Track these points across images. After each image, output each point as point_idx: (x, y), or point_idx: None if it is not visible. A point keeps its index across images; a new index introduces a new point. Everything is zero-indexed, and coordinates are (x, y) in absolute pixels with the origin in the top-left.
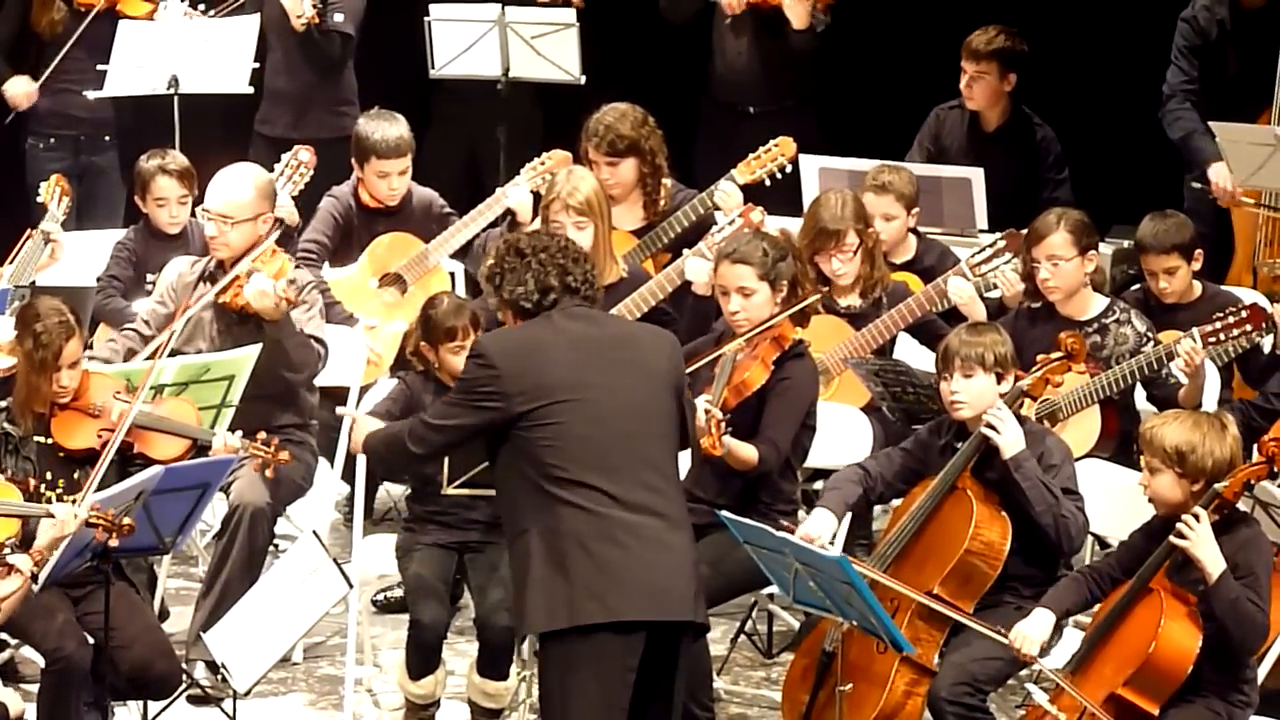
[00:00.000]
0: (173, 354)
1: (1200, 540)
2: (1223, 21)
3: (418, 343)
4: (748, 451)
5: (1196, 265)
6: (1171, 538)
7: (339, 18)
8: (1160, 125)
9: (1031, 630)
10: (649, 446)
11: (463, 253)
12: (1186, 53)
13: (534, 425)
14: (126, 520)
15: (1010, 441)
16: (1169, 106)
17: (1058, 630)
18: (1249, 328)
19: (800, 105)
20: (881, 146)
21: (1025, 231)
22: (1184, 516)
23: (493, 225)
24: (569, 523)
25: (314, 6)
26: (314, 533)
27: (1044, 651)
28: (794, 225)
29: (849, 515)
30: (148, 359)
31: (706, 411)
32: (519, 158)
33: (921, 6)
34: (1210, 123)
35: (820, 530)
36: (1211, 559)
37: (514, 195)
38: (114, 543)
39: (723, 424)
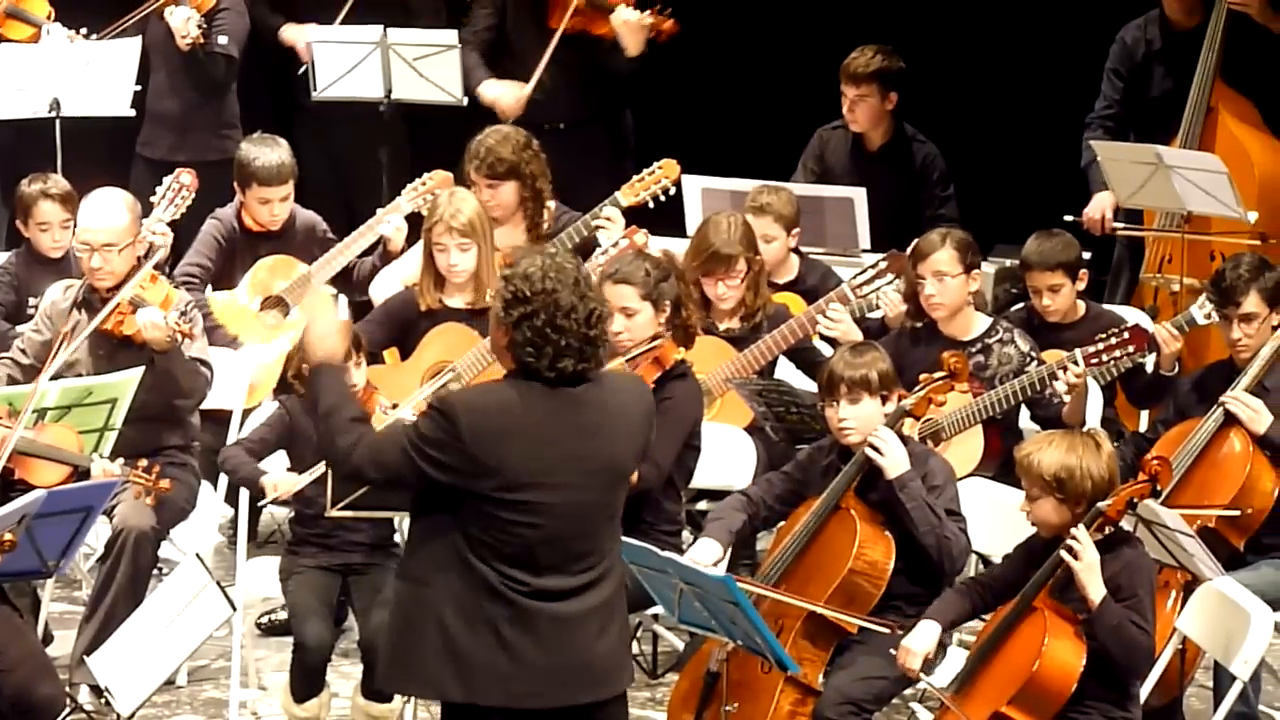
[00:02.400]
0: (54, 378)
1: (1088, 562)
2: (1151, 41)
3: (299, 366)
4: None
5: (1081, 285)
6: (1061, 552)
7: (223, 40)
8: (1044, 143)
9: (915, 643)
10: (587, 541)
11: (342, 278)
12: (1111, 76)
13: (476, 507)
14: (8, 536)
15: (894, 463)
16: (1085, 135)
17: (942, 649)
18: (1131, 348)
19: (610, 119)
20: (766, 167)
21: (908, 252)
22: (1072, 531)
23: (366, 253)
24: (480, 600)
25: (199, 27)
26: (197, 555)
27: (930, 668)
28: (676, 245)
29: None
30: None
31: None
32: (400, 180)
33: (803, 26)
34: (1093, 141)
35: (706, 558)
36: (1094, 584)
37: (391, 221)
38: None
39: None
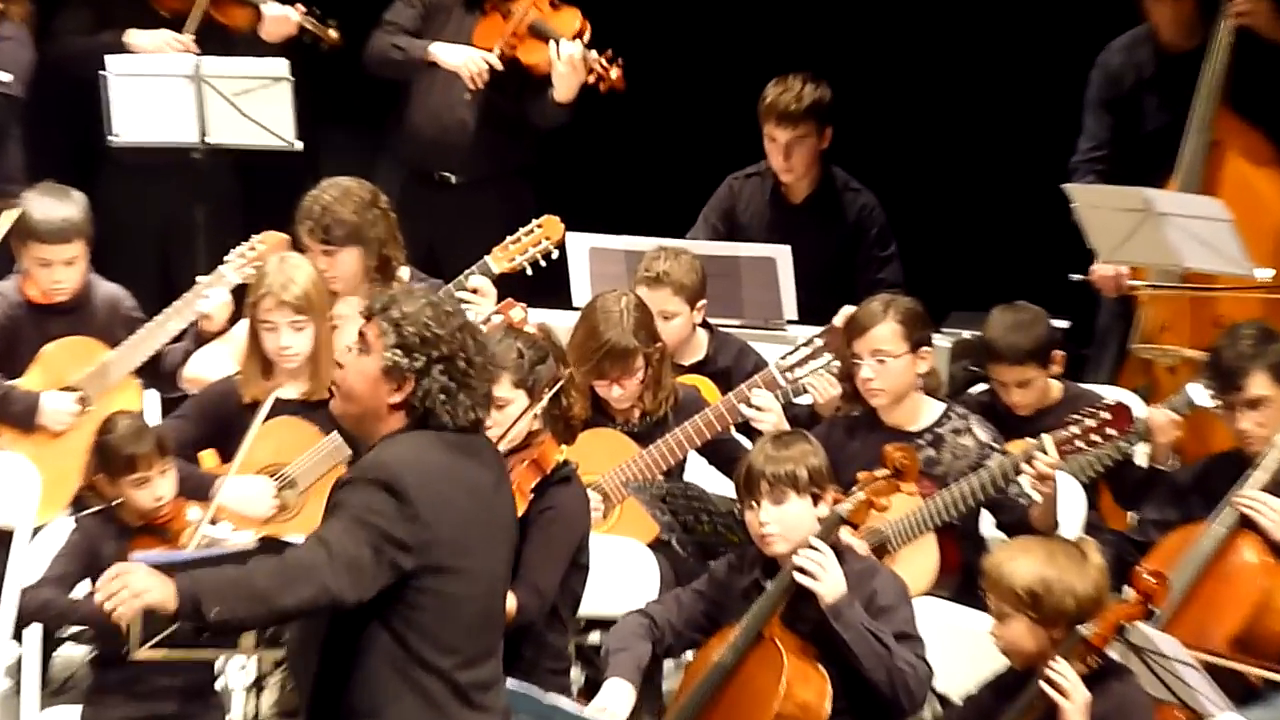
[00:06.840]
0: None
1: (1079, 703)
2: (1141, 66)
3: (92, 475)
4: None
5: (1056, 369)
6: (1042, 684)
7: (4, 76)
8: (1008, 196)
9: None
10: (498, 624)
11: (149, 368)
12: (1097, 109)
13: (414, 589)
14: None
15: (829, 588)
16: (1071, 184)
17: None
18: (1113, 431)
19: (515, 176)
20: (665, 222)
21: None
22: (1051, 664)
23: (179, 337)
24: (419, 716)
25: None
26: None
27: None
28: (553, 317)
29: None
30: None
31: None
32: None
33: (707, 58)
34: (1066, 185)
35: (618, 704)
36: None
37: (211, 296)
38: None
39: None
